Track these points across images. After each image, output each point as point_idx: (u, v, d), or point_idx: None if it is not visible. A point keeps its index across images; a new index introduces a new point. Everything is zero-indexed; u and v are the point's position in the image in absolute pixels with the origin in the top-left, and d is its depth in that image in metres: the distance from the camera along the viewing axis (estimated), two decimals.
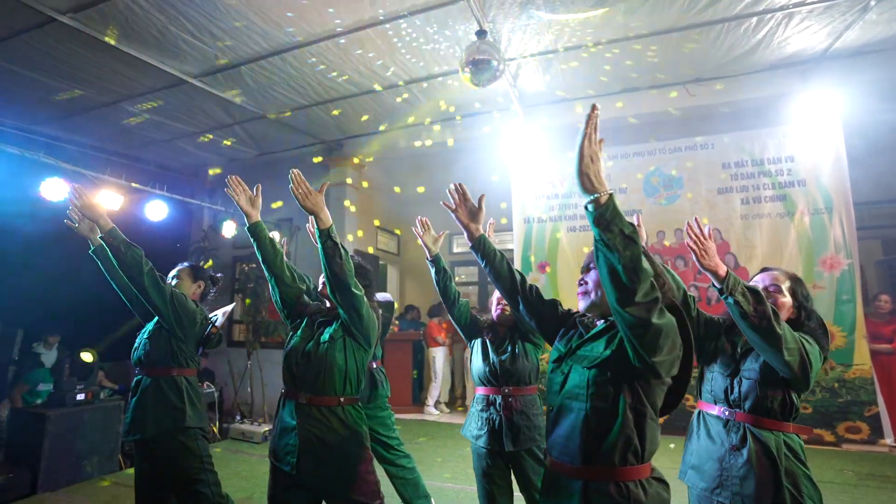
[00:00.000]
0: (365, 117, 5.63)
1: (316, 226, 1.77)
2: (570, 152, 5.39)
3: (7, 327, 5.17)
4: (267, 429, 5.27)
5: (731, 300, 1.51)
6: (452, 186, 1.72)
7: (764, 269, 1.84)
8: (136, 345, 2.33)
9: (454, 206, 1.70)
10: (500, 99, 5.26)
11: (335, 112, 5.46)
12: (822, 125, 4.83)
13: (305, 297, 2.04)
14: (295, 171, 1.77)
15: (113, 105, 5.00)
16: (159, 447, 2.16)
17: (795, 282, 1.76)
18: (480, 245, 1.66)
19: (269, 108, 5.35)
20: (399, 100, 5.21)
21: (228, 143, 6.21)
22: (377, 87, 4.89)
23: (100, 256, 2.36)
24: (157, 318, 2.29)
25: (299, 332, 1.93)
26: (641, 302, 1.07)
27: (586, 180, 1.09)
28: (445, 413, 6.53)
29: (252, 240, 1.90)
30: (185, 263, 2.49)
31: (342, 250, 1.77)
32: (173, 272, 2.44)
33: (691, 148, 5.31)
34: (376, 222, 7.61)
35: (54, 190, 4.03)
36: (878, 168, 5.22)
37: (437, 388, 6.59)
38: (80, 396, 4.18)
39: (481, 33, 3.75)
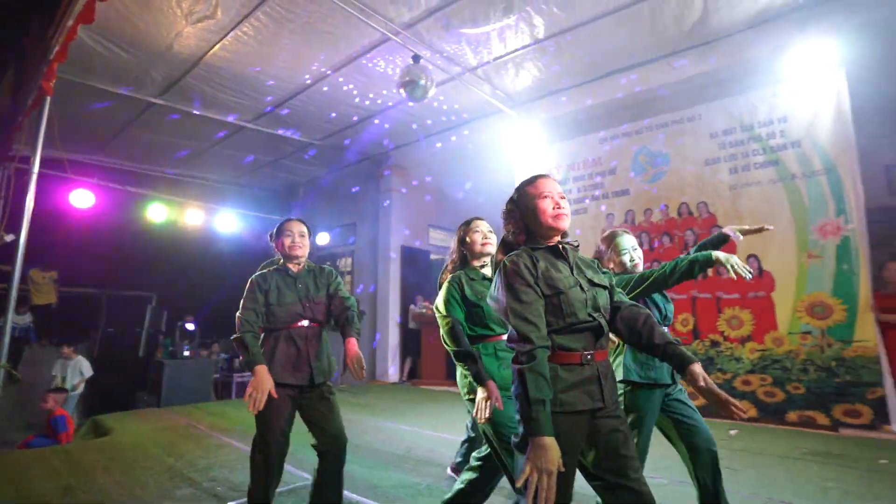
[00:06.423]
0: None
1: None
2: (566, 141, 5.62)
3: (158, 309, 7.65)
4: None
5: None
6: None
7: None
8: None
9: None
10: (486, 106, 5.85)
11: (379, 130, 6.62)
12: (821, 78, 4.38)
13: None
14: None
15: (209, 150, 7.04)
16: None
17: None
18: None
19: (314, 136, 6.81)
20: (408, 117, 6.21)
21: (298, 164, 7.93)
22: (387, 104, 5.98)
23: None
24: None
25: None
26: None
27: None
28: None
29: None
30: None
31: None
32: None
33: (677, 122, 5.19)
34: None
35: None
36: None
37: None
38: (186, 353, 6.12)
39: (416, 58, 4.54)
